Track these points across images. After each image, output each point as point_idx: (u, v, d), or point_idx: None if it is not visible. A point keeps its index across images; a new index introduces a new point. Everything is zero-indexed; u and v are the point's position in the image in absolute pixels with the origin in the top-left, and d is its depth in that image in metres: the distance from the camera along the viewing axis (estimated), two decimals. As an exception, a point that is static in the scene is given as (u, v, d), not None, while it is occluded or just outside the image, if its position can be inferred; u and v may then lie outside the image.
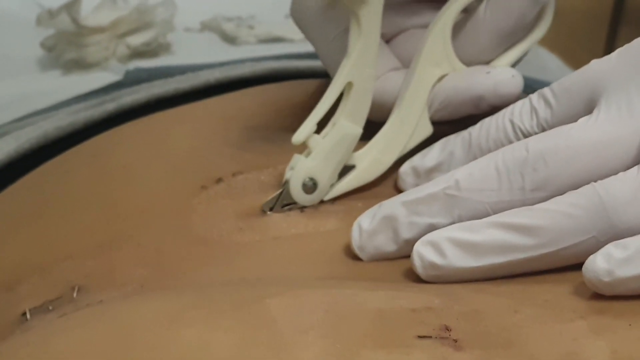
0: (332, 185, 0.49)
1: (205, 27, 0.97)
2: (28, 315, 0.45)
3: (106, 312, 0.40)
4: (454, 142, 0.48)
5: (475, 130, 0.47)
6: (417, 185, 0.47)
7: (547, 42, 1.18)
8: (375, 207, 0.44)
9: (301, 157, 0.49)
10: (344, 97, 0.49)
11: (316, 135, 0.48)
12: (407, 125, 0.50)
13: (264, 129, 0.56)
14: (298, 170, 0.48)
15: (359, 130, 0.49)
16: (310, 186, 0.48)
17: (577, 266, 0.40)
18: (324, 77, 0.67)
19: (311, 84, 0.62)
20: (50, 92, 0.79)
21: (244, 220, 0.48)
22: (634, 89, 0.42)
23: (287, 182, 0.48)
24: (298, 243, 0.46)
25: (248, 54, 0.84)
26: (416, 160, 0.49)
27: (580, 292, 0.39)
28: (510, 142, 0.45)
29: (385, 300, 0.38)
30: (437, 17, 0.50)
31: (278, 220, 0.48)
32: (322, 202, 0.49)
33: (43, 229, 0.51)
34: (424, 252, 0.41)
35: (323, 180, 0.49)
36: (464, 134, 0.48)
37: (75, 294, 0.45)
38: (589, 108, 0.43)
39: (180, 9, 0.94)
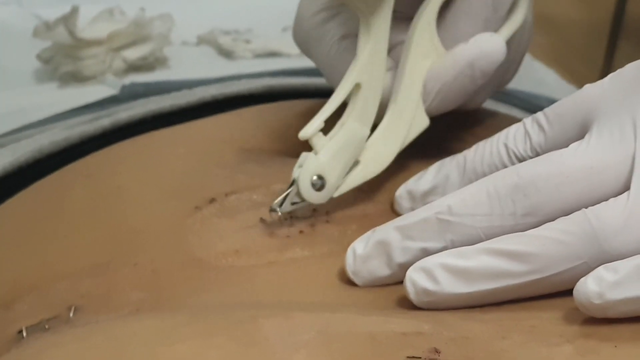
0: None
1: (202, 40, 0.97)
2: (24, 334, 0.45)
3: (101, 328, 0.40)
4: (449, 165, 0.48)
5: (470, 153, 0.48)
6: (412, 208, 0.48)
7: (544, 55, 1.19)
8: (369, 232, 0.45)
9: (310, 155, 0.49)
10: (352, 99, 0.50)
11: (322, 134, 0.49)
12: (404, 118, 0.51)
13: (258, 152, 0.56)
14: (307, 167, 0.48)
15: (366, 131, 0.50)
16: (318, 185, 0.49)
17: (564, 293, 0.41)
18: (319, 95, 0.68)
19: (305, 104, 0.62)
20: (46, 104, 0.80)
21: (239, 240, 0.48)
22: (625, 114, 0.42)
23: (295, 180, 0.49)
24: (292, 268, 0.46)
25: (244, 69, 0.84)
26: (411, 183, 0.49)
27: (567, 318, 0.40)
28: (505, 166, 0.46)
29: (377, 324, 0.38)
30: (420, 10, 0.51)
31: (273, 242, 0.48)
32: (317, 222, 0.49)
33: (40, 248, 0.51)
34: (416, 279, 0.41)
35: (332, 178, 0.49)
36: (458, 157, 0.48)
37: (71, 314, 0.45)
38: (581, 133, 0.43)
39: (177, 22, 0.95)
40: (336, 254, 0.47)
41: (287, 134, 0.58)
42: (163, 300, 0.45)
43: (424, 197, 0.48)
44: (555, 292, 0.41)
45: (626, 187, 0.41)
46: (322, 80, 0.72)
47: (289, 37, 0.88)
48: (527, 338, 0.38)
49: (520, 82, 0.93)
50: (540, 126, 0.45)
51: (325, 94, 0.69)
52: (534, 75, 1.05)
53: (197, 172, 0.54)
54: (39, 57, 0.90)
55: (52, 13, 0.91)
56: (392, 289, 0.44)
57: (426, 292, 0.41)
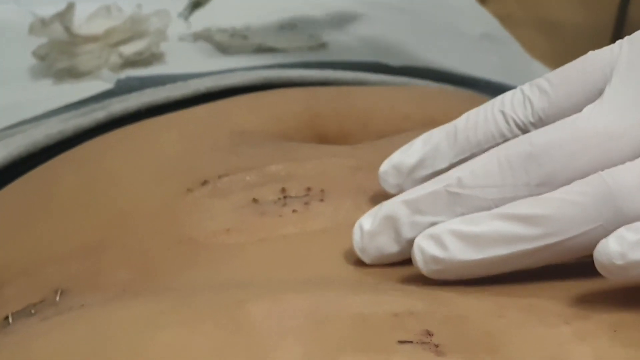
0: None
1: (199, 37, 0.97)
2: (10, 319, 0.45)
3: (85, 316, 0.40)
4: (437, 135, 0.46)
5: (461, 122, 0.45)
6: (399, 185, 0.46)
7: (545, 59, 1.18)
8: (376, 207, 0.43)
9: None
10: None
11: None
12: None
13: (251, 135, 0.56)
14: None
15: None
16: None
17: (563, 272, 0.40)
18: (315, 85, 0.67)
19: (301, 91, 0.62)
20: (41, 100, 0.80)
21: (231, 219, 0.47)
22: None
23: None
24: (284, 245, 0.46)
25: (241, 64, 0.84)
26: (396, 157, 0.46)
27: (566, 298, 0.39)
28: (502, 133, 0.44)
29: (368, 304, 0.37)
30: None
31: (266, 220, 0.47)
32: (311, 201, 0.48)
33: (28, 233, 0.51)
34: (425, 246, 0.40)
35: None
36: (448, 127, 0.45)
37: (58, 297, 0.45)
38: (589, 97, 0.42)
39: (174, 19, 0.94)
40: (329, 230, 0.46)
41: (281, 117, 0.57)
42: (151, 279, 0.44)
43: (413, 171, 0.46)
44: (570, 259, 0.40)
45: None
46: (320, 72, 0.71)
47: (286, 34, 0.88)
48: (525, 317, 0.37)
49: (519, 81, 0.92)
50: (542, 90, 0.43)
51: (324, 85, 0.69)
52: (533, 76, 1.04)
53: (189, 155, 0.53)
54: (34, 53, 0.89)
55: (49, 10, 0.90)
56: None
57: (435, 259, 0.40)
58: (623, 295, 0.39)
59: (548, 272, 0.40)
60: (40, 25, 0.88)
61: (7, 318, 0.45)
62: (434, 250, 0.40)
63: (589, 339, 0.36)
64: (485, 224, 0.39)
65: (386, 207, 0.43)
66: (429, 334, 0.36)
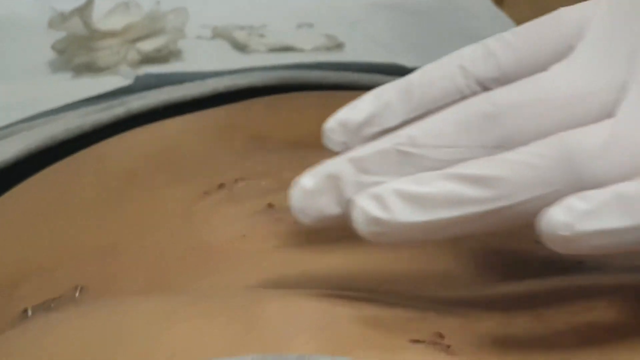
0: None
1: (217, 34, 0.97)
2: (29, 312, 0.45)
3: (105, 306, 0.41)
4: (389, 91, 0.40)
5: (415, 78, 0.40)
6: (345, 143, 0.41)
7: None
8: (319, 164, 0.39)
9: None
10: None
11: None
12: None
13: (268, 140, 0.56)
14: None
15: None
16: None
17: (570, 285, 0.41)
18: (332, 88, 0.68)
19: (318, 95, 0.62)
20: (60, 94, 0.80)
21: (247, 225, 0.48)
22: (619, 41, 0.37)
23: None
24: (299, 252, 0.46)
25: (258, 63, 0.84)
26: (343, 113, 0.41)
27: (575, 307, 0.39)
28: (460, 90, 0.39)
29: (382, 308, 0.38)
30: None
31: (280, 228, 0.47)
32: None
33: (48, 229, 0.51)
34: (366, 206, 0.36)
35: None
36: (401, 82, 0.40)
37: (77, 294, 0.46)
38: (561, 52, 0.38)
39: (192, 16, 0.95)
40: (343, 239, 0.45)
41: (299, 123, 0.57)
42: (168, 283, 0.45)
43: (361, 129, 0.41)
44: (523, 225, 0.35)
45: (611, 115, 0.36)
46: (338, 74, 0.72)
47: (303, 34, 0.88)
48: (533, 325, 0.38)
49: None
50: (507, 44, 0.39)
51: (341, 88, 0.69)
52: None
53: (206, 159, 0.54)
54: (53, 47, 0.89)
55: (68, 4, 0.91)
56: (403, 272, 0.43)
57: (377, 221, 0.36)
58: (629, 301, 0.39)
59: (557, 284, 0.41)
60: (60, 19, 0.88)
61: (25, 311, 0.45)
62: (375, 211, 0.36)
63: (595, 343, 0.37)
64: (432, 184, 0.35)
65: (329, 164, 0.39)
66: (441, 335, 0.36)
